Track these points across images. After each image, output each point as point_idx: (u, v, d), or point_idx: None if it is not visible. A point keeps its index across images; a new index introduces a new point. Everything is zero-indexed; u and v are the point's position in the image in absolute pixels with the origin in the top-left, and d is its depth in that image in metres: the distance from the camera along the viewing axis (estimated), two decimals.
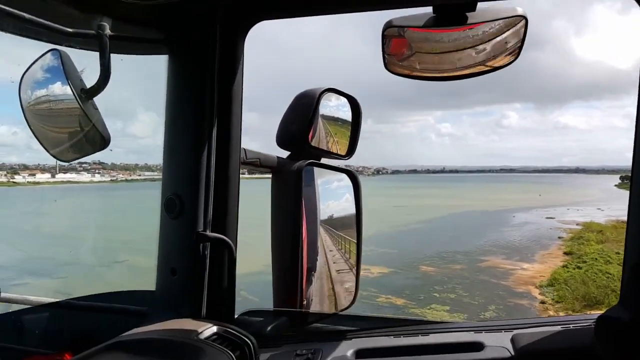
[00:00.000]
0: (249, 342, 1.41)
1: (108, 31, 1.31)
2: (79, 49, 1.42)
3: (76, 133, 1.43)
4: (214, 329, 1.43)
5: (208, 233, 1.49)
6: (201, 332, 1.39)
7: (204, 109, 1.48)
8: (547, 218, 46.53)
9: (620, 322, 1.28)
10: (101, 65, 1.31)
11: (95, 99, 1.41)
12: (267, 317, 1.69)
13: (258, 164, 1.72)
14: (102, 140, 1.42)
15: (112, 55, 1.33)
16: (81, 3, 1.34)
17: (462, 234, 38.78)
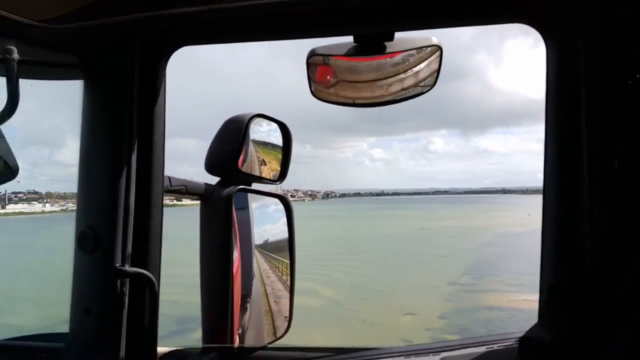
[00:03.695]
0: None
1: (16, 55, 1.23)
2: None
3: None
4: None
5: (127, 268, 1.41)
6: None
7: (122, 136, 1.42)
8: None
9: (540, 342, 1.33)
10: (8, 92, 1.23)
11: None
12: (195, 357, 1.65)
13: (184, 191, 1.68)
14: (9, 171, 1.32)
15: (22, 80, 1.25)
16: None
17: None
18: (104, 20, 1.33)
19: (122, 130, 1.42)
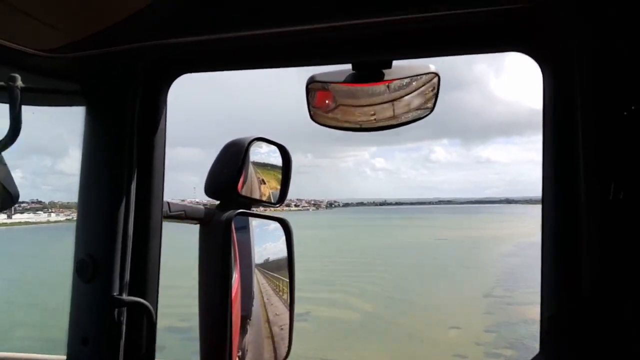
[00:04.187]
0: None
1: (19, 83, 1.24)
2: None
3: None
4: None
5: (124, 297, 1.39)
6: None
7: (122, 164, 1.42)
8: None
9: None
10: (11, 118, 1.23)
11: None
12: None
13: (184, 216, 1.68)
14: (9, 198, 1.32)
15: (24, 107, 1.26)
16: None
17: None
18: (106, 49, 1.35)
19: (122, 157, 1.42)
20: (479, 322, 17.14)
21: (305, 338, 15.06)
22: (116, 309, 1.38)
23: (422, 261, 34.84)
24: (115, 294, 1.38)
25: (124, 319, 1.39)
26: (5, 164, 1.30)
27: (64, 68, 1.43)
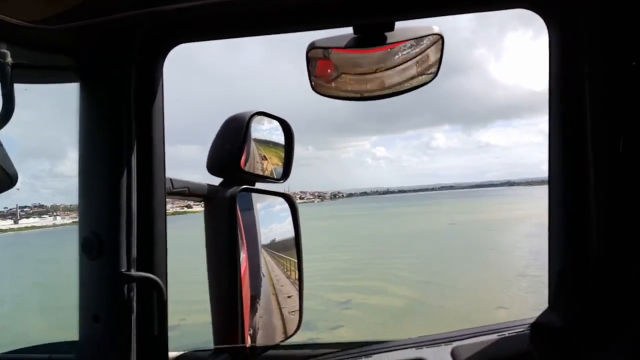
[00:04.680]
0: None
1: (9, 59, 1.20)
2: None
3: None
4: None
5: (133, 273, 1.37)
6: None
7: (121, 139, 1.39)
8: None
9: (552, 327, 1.34)
10: (3, 97, 1.20)
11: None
12: (206, 359, 1.63)
13: (187, 193, 1.65)
14: (8, 179, 1.27)
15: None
16: None
17: None
18: (99, 19, 1.29)
19: (121, 131, 1.39)
20: (525, 302, 16.84)
21: (356, 324, 14.83)
22: (125, 285, 1.36)
23: (444, 246, 34.63)
24: (123, 270, 1.36)
25: (134, 294, 1.38)
26: (1, 145, 1.23)
27: (55, 41, 1.36)
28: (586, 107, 1.21)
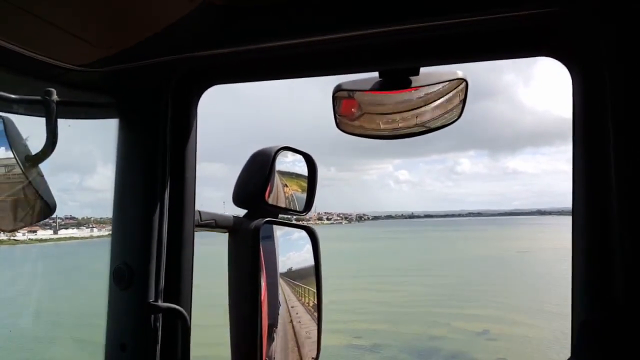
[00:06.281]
0: None
1: (55, 97, 1.30)
2: (24, 115, 1.39)
3: (19, 202, 1.37)
4: None
5: (160, 304, 1.42)
6: None
7: (156, 174, 1.45)
8: None
9: None
10: (48, 131, 1.30)
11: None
12: None
13: (214, 225, 1.70)
14: (47, 209, 1.38)
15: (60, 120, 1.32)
16: (26, 70, 1.34)
17: None
18: (138, 63, 1.39)
19: (156, 167, 1.45)
20: None
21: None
22: (152, 315, 1.40)
23: (515, 273, 33.36)
24: (151, 300, 1.40)
25: (159, 324, 1.41)
26: (42, 176, 1.35)
27: (97, 82, 1.47)
28: (611, 156, 1.19)
